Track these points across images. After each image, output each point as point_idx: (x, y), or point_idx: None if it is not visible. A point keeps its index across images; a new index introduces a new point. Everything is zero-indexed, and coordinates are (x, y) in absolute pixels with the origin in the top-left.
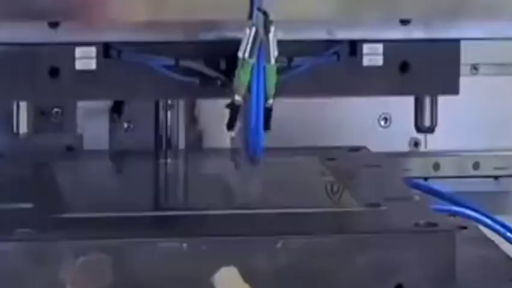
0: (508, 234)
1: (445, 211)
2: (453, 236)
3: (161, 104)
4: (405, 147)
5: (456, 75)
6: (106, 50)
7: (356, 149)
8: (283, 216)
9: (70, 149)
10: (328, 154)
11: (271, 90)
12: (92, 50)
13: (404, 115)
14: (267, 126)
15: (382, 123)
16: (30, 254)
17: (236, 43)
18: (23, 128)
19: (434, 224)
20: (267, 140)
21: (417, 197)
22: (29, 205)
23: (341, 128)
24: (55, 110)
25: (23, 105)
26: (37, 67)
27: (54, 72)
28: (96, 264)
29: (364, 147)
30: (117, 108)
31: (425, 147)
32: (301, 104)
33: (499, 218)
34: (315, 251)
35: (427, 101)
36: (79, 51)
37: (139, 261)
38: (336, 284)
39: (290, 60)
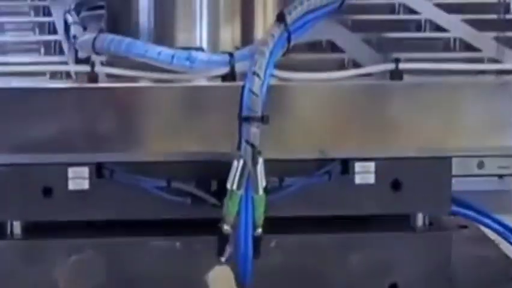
0: (508, 233)
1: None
2: (449, 236)
3: None
4: None
5: (447, 193)
6: (98, 169)
7: None
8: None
9: None
10: None
11: (260, 219)
12: (85, 171)
13: None
14: (256, 255)
15: None
16: (23, 253)
17: (228, 165)
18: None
19: (431, 224)
20: None
21: None
22: None
23: None
24: None
25: (17, 224)
26: (30, 187)
27: (47, 191)
28: (88, 263)
29: None
30: None
31: None
32: None
33: (500, 217)
34: (308, 250)
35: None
36: (71, 171)
37: (132, 260)
38: (330, 283)
39: (281, 180)
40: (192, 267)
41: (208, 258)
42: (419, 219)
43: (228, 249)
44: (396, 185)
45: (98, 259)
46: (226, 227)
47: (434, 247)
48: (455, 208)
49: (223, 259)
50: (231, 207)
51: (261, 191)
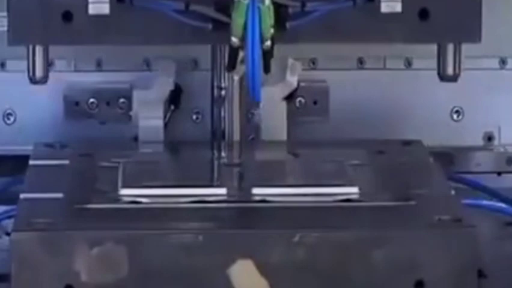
0: None
1: (477, 206)
2: (475, 232)
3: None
4: (478, 142)
5: (477, 22)
6: None
7: (408, 143)
8: (306, 209)
9: (136, 139)
10: (379, 147)
11: (268, 32)
12: None
13: (477, 108)
14: (266, 69)
15: (454, 116)
16: (46, 244)
17: None
18: (39, 73)
19: (458, 220)
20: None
21: (452, 192)
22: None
23: (411, 121)
24: (121, 100)
25: (39, 49)
26: (51, 11)
27: (67, 16)
28: (111, 254)
29: (418, 141)
30: (174, 100)
31: (499, 141)
32: (373, 96)
33: None
34: (332, 246)
35: (450, 47)
36: None
37: (155, 253)
38: (355, 280)
39: (303, 5)
40: (215, 261)
41: (231, 252)
42: (449, 52)
43: (242, 68)
44: (423, 14)
45: (120, 251)
46: (233, 39)
47: (459, 243)
48: (484, 202)
49: (235, 76)
50: (237, 18)
51: (267, 1)
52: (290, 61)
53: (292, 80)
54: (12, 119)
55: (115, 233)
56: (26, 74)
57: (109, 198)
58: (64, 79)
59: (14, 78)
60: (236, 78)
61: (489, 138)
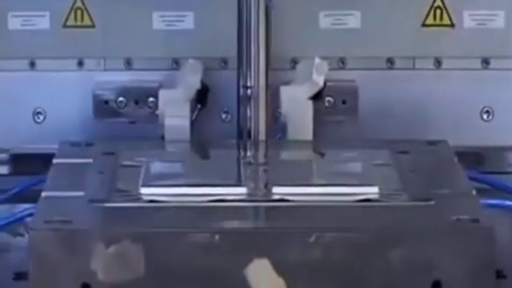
0: None
1: (501, 206)
2: (492, 233)
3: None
4: (510, 142)
5: None
6: None
7: (433, 143)
8: (323, 209)
9: (163, 138)
10: (404, 147)
11: None
12: None
13: (508, 108)
14: None
15: (484, 116)
16: (63, 242)
17: None
18: None
19: (476, 220)
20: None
21: (474, 192)
22: (80, 193)
23: (441, 122)
24: (150, 99)
25: None
26: None
27: None
28: (128, 253)
29: (443, 141)
30: (201, 99)
31: None
32: (402, 96)
33: None
34: (348, 246)
35: None
36: None
37: (171, 252)
38: (371, 280)
39: None
40: (231, 260)
41: (247, 251)
42: None
43: None
44: None
45: (137, 249)
46: None
47: (476, 243)
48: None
49: None
50: None
51: None
52: (317, 61)
53: (319, 79)
54: (41, 117)
55: (131, 232)
56: (55, 73)
57: (129, 197)
58: (94, 78)
59: (44, 77)
60: None
61: None
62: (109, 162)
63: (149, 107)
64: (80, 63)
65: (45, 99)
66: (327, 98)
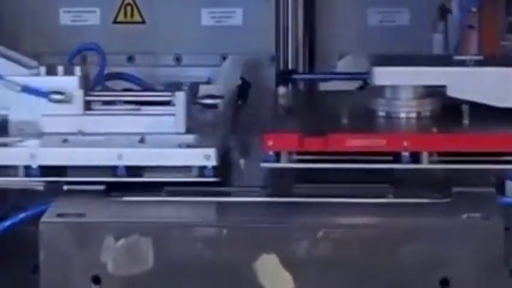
0: None
1: None
2: (501, 231)
3: None
4: None
5: None
6: None
7: None
8: (333, 204)
9: None
10: None
11: None
12: None
13: None
14: None
15: None
16: (73, 235)
17: None
18: None
19: (487, 218)
20: None
21: (488, 189)
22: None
23: None
24: None
25: None
26: None
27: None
28: (137, 246)
29: None
30: (241, 94)
31: None
32: None
33: None
34: (357, 241)
35: None
36: None
37: (180, 245)
38: (379, 276)
39: None
40: (239, 255)
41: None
42: None
43: None
44: None
45: (146, 242)
46: None
47: (485, 241)
48: None
49: None
50: None
51: None
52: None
53: None
54: None
55: (141, 225)
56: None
57: (147, 191)
58: (144, 73)
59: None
60: None
61: None
62: None
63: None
64: (130, 59)
65: None
66: None
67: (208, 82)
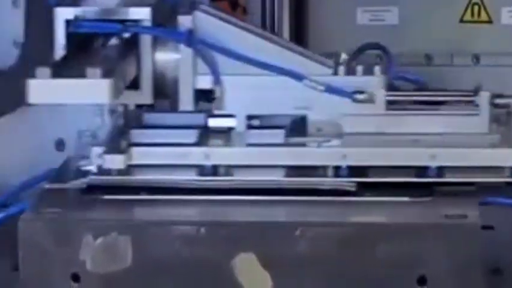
0: None
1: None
2: (479, 230)
3: None
4: None
5: None
6: None
7: None
8: (310, 203)
9: None
10: None
11: None
12: None
13: None
14: None
15: None
16: (52, 233)
17: None
18: None
19: (464, 216)
20: None
21: (471, 188)
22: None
23: None
24: None
25: None
26: None
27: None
28: (116, 244)
29: None
30: None
31: None
32: None
33: None
34: (334, 240)
35: None
36: None
37: (158, 243)
38: (357, 274)
39: None
40: (217, 253)
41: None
42: None
43: None
44: None
45: (125, 240)
46: None
47: (461, 239)
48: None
49: None
50: None
51: None
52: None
53: None
54: None
55: (119, 223)
56: None
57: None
58: None
59: None
60: None
61: None
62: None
63: None
64: None
65: None
66: None
67: None
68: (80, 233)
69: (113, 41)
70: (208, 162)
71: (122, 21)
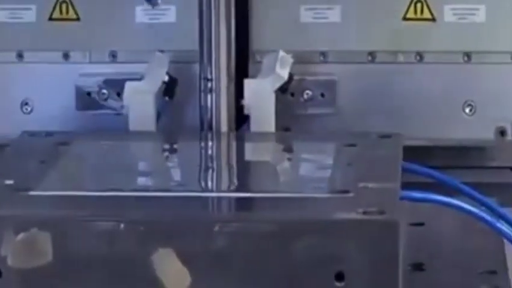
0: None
1: (420, 200)
2: (396, 226)
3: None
4: (491, 136)
5: None
6: None
7: (388, 136)
8: (229, 199)
9: None
10: (354, 140)
11: None
12: None
13: (489, 103)
14: None
15: (467, 110)
16: None
17: None
18: None
19: (382, 212)
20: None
21: (393, 184)
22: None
23: (424, 116)
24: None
25: None
26: None
27: None
28: (36, 240)
29: (398, 134)
30: (168, 91)
31: None
32: (383, 90)
33: None
34: (251, 236)
35: None
36: None
37: (77, 239)
38: (274, 270)
39: None
40: (136, 249)
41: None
42: None
43: None
44: None
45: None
46: None
47: (377, 235)
48: (433, 196)
49: None
50: None
51: None
52: (281, 54)
53: (283, 72)
54: (29, 108)
55: (39, 219)
56: (42, 64)
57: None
58: (78, 70)
59: (31, 69)
60: None
61: (501, 132)
62: (55, 153)
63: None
64: (66, 56)
65: (32, 91)
66: (306, 91)
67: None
68: (1, 228)
69: None
70: None
71: None
